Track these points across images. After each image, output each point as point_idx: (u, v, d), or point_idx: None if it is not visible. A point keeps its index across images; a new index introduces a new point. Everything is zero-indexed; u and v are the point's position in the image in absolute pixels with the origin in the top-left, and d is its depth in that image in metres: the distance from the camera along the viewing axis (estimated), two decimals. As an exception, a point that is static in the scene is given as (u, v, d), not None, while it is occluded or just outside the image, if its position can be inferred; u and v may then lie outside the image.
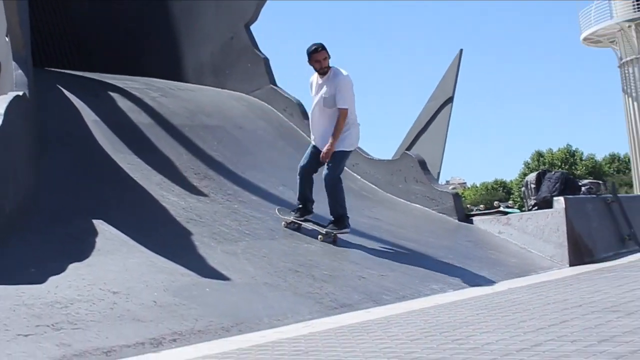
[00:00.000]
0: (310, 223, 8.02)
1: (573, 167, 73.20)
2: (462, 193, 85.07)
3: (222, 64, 13.17)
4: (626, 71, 44.81)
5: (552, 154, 75.68)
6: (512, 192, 77.53)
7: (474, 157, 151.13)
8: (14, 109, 6.78)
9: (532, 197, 9.64)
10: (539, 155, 75.86)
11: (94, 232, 6.63)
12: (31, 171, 7.53)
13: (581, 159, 75.87)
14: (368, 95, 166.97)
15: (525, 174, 73.96)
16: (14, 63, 7.84)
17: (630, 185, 52.92)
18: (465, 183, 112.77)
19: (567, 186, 9.61)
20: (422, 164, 10.17)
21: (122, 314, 4.97)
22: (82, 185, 7.89)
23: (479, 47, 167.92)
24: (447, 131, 24.12)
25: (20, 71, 7.75)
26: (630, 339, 3.31)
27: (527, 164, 75.75)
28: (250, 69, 12.74)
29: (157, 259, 6.21)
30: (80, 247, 6.25)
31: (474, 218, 9.63)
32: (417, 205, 10.09)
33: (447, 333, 4.04)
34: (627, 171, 63.54)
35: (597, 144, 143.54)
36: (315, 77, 8.04)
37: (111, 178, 8.31)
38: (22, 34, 8.03)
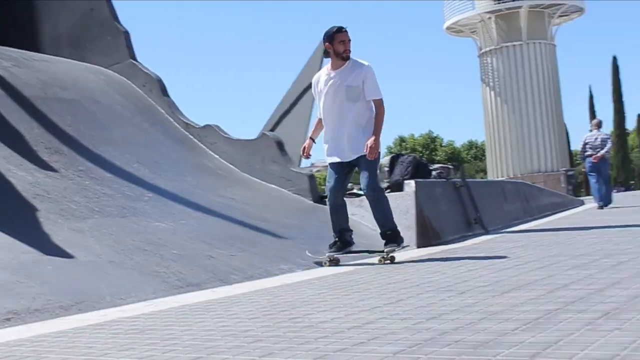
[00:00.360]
0: (353, 254, 6.95)
1: (433, 153, 75.57)
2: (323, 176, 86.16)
3: (82, 36, 12.83)
4: (485, 61, 46.50)
5: (414, 139, 77.81)
6: (375, 174, 79.08)
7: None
8: None
9: (385, 180, 9.86)
10: (402, 140, 77.88)
11: None
12: None
13: (441, 145, 78.32)
14: (238, 72, 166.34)
15: (385, 156, 75.60)
16: None
17: (485, 171, 54.96)
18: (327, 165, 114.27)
19: (419, 170, 9.89)
20: (280, 145, 10.24)
21: (-46, 292, 4.79)
22: None
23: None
24: (310, 114, 24.35)
25: None
26: (456, 316, 3.45)
27: (389, 149, 77.56)
28: (110, 42, 12.45)
29: (-2, 235, 6.01)
30: None
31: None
32: (274, 186, 10.16)
33: (286, 312, 4.09)
34: (483, 158, 66.06)
35: (457, 131, 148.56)
36: (324, 72, 6.85)
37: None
38: None
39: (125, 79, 12.09)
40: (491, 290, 4.28)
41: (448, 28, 48.00)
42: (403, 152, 56.64)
